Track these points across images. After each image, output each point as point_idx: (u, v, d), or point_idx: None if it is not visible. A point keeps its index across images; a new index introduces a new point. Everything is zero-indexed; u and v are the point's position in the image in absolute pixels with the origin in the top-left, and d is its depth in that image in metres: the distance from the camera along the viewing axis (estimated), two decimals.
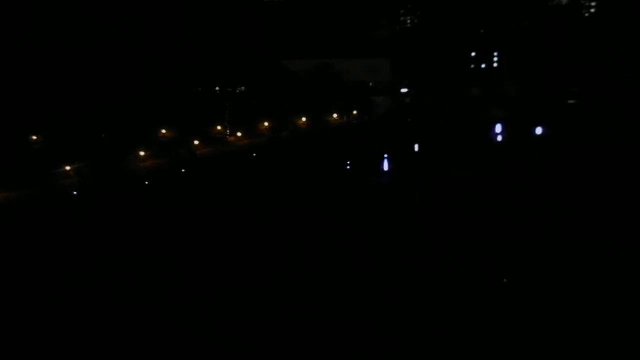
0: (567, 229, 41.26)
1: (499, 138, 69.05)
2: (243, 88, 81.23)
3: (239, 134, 76.01)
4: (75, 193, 57.50)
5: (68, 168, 61.93)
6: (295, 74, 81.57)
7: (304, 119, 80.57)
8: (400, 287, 34.51)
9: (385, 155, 62.30)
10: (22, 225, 48.81)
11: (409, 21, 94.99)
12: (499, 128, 69.81)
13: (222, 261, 39.91)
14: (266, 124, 77.17)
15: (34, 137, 63.32)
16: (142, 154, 67.06)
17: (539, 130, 67.08)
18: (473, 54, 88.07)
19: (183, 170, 64.86)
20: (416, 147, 65.33)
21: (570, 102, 79.37)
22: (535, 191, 50.23)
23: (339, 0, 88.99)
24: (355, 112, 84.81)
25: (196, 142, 71.53)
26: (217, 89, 79.11)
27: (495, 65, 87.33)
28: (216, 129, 75.52)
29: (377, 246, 40.97)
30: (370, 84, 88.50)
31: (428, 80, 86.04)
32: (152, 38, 72.68)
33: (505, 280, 34.11)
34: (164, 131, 70.66)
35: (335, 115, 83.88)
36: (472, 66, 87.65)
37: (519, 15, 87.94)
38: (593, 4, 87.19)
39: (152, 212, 51.19)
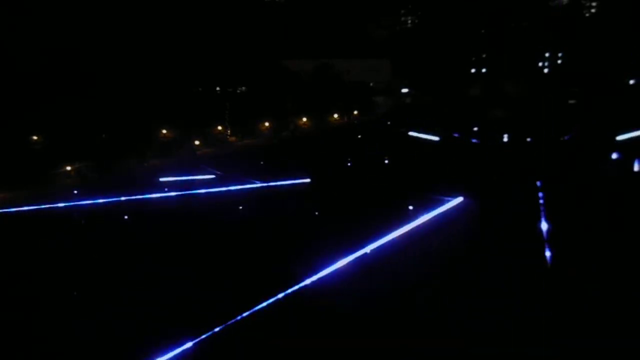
0: None
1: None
2: (243, 88, 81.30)
3: (240, 134, 76.17)
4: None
5: (68, 168, 62.10)
6: (295, 74, 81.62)
7: (304, 119, 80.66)
8: None
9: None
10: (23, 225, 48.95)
11: (409, 21, 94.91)
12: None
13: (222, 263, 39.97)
14: (266, 124, 77.33)
15: (34, 137, 63.43)
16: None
17: None
18: (473, 54, 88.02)
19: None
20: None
21: (571, 102, 79.40)
22: None
23: (339, 0, 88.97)
24: (355, 112, 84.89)
25: (197, 142, 71.72)
26: (217, 89, 79.20)
27: (496, 65, 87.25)
28: (216, 129, 75.69)
29: None
30: (371, 84, 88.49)
31: (428, 80, 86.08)
32: (152, 38, 72.69)
33: None
34: (164, 131, 70.81)
35: (335, 115, 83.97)
36: (472, 66, 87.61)
37: (519, 15, 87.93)
38: (593, 4, 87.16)
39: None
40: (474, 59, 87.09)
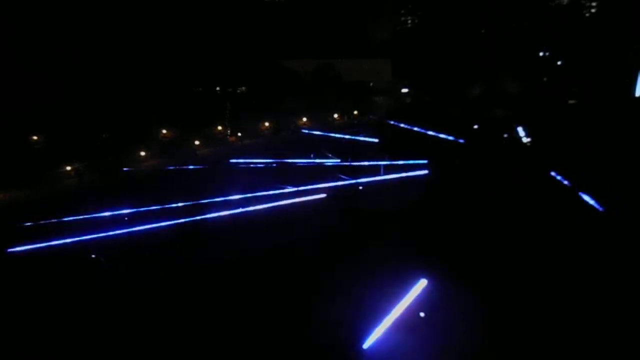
0: None
1: None
2: (243, 88, 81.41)
3: (240, 134, 76.23)
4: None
5: (68, 168, 62.14)
6: (295, 74, 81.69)
7: (304, 119, 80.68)
8: None
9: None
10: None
11: (409, 21, 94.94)
12: None
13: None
14: (266, 124, 77.40)
15: (34, 137, 63.52)
16: (142, 153, 67.34)
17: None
18: (473, 54, 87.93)
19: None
20: None
21: (571, 102, 79.42)
22: None
23: (339, 0, 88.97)
24: (355, 112, 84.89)
25: (197, 142, 71.79)
26: (217, 89, 79.30)
27: (496, 65, 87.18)
28: (216, 129, 75.77)
29: None
30: (371, 84, 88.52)
31: (428, 80, 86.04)
32: (152, 38, 72.78)
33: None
34: (164, 131, 70.91)
35: (335, 115, 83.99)
36: (473, 66, 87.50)
37: (519, 15, 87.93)
38: (593, 4, 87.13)
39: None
40: (474, 59, 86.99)
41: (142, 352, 30.28)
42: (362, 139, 69.84)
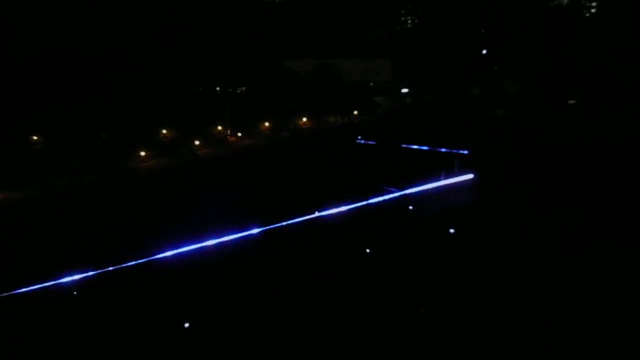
0: None
1: None
2: (243, 88, 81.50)
3: (240, 134, 76.31)
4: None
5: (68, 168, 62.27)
6: (295, 74, 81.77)
7: (304, 119, 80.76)
8: None
9: None
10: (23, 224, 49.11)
11: (409, 21, 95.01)
12: None
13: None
14: (266, 124, 77.48)
15: (34, 137, 63.60)
16: (142, 154, 67.44)
17: None
18: (473, 54, 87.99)
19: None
20: None
21: (571, 102, 79.42)
22: None
23: (339, 0, 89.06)
24: (355, 112, 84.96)
25: (197, 142, 71.89)
26: (217, 89, 79.39)
27: (496, 64, 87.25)
28: (216, 129, 75.86)
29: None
30: (371, 84, 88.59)
31: (428, 80, 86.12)
32: (152, 38, 72.86)
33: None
34: (164, 131, 71.01)
35: (335, 116, 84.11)
36: (473, 66, 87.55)
37: (519, 15, 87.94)
38: (593, 4, 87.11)
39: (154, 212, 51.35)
40: (474, 59, 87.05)
41: None
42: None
